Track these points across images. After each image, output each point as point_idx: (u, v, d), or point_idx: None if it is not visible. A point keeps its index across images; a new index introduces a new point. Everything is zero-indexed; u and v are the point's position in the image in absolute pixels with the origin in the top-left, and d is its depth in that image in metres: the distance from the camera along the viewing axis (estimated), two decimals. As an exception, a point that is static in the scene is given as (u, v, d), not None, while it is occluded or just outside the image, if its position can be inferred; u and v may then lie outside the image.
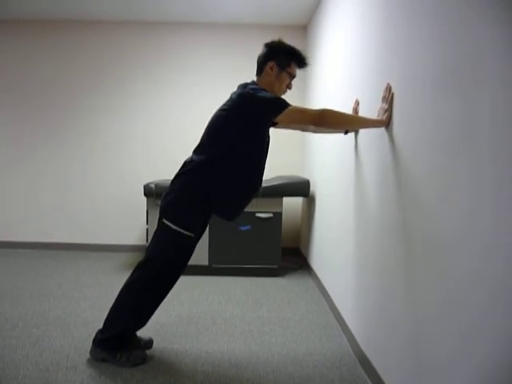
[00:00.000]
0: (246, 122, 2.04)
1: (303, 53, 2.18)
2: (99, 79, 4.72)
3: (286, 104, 1.99)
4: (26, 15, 4.53)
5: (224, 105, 2.14)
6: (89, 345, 2.21)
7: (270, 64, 2.14)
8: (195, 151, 2.16)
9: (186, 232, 2.08)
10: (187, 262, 2.18)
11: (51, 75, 4.71)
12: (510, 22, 1.06)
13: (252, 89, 2.05)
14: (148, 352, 2.26)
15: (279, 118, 1.99)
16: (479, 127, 1.17)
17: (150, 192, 3.74)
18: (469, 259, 1.21)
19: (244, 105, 2.02)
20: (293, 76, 2.19)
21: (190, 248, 2.15)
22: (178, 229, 2.07)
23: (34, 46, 4.70)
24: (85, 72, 4.71)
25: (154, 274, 2.11)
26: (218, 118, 2.12)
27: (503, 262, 1.06)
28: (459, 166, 1.27)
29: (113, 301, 2.18)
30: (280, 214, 3.76)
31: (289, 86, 2.21)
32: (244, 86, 2.11)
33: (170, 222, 2.08)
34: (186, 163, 2.16)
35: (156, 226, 2.15)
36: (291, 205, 4.65)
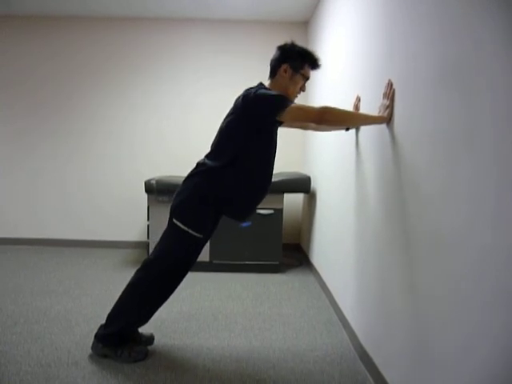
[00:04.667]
0: (251, 123, 2.05)
1: (316, 54, 2.18)
2: (98, 76, 4.71)
3: (288, 102, 1.99)
4: (22, 11, 4.51)
5: (230, 110, 2.15)
6: (90, 341, 2.22)
7: (284, 67, 2.13)
8: (207, 157, 2.17)
9: (195, 233, 2.08)
10: (194, 262, 2.19)
11: (50, 72, 4.70)
12: (510, 18, 1.06)
13: (255, 88, 2.06)
14: (149, 348, 2.27)
15: (282, 116, 1.99)
16: (480, 123, 1.17)
17: (151, 188, 3.74)
18: (469, 255, 1.21)
19: (248, 106, 2.03)
20: (307, 78, 2.19)
21: (198, 249, 2.16)
22: (187, 229, 2.07)
23: (32, 43, 4.68)
24: (84, 69, 4.70)
25: (160, 273, 2.11)
26: (227, 124, 2.13)
27: (505, 257, 1.06)
28: (460, 163, 1.27)
29: (114, 297, 2.19)
30: (281, 210, 3.76)
31: (302, 89, 2.21)
32: (249, 89, 2.11)
33: (180, 222, 2.08)
34: (198, 164, 2.17)
35: (158, 224, 2.16)
36: (292, 201, 4.65)
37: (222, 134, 2.15)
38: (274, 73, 2.18)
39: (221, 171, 2.08)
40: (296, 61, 2.13)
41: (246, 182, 2.12)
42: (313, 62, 2.17)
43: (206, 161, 2.14)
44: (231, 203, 2.15)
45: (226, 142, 2.12)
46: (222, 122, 2.17)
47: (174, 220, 2.10)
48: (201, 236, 2.10)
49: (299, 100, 2.21)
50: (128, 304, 2.15)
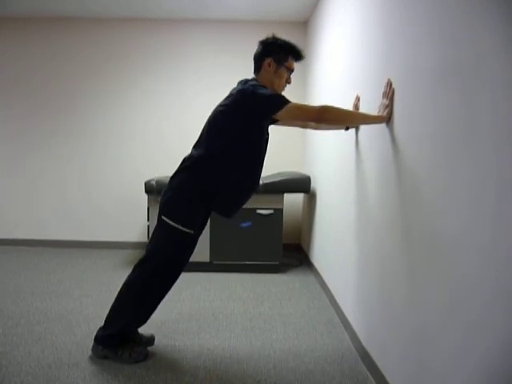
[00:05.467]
0: (245, 119, 2.04)
1: (298, 46, 2.18)
2: (99, 77, 4.71)
3: (285, 101, 1.98)
4: (22, 13, 4.51)
5: (224, 101, 2.13)
6: (91, 342, 2.21)
7: (268, 61, 2.14)
8: (194, 147, 2.17)
9: (184, 229, 2.07)
10: (188, 258, 2.18)
11: (50, 73, 4.70)
12: (510, 18, 1.06)
13: (252, 85, 2.04)
14: (150, 349, 2.26)
15: (279, 115, 1.99)
16: (480, 123, 1.17)
17: (150, 189, 3.74)
18: (470, 256, 1.21)
19: (244, 101, 2.02)
20: (291, 70, 2.19)
21: (189, 245, 2.15)
22: (176, 226, 2.06)
23: (33, 45, 4.68)
24: (84, 70, 4.70)
25: (153, 272, 2.10)
26: (217, 114, 2.11)
27: (505, 258, 1.06)
28: (460, 162, 1.27)
29: (114, 298, 2.18)
30: (281, 210, 3.76)
31: (288, 81, 2.21)
32: (244, 83, 2.11)
33: (169, 218, 2.07)
34: (184, 160, 2.16)
35: (156, 223, 2.16)
36: (292, 201, 4.65)
37: (211, 124, 2.13)
38: (258, 68, 2.18)
39: (208, 161, 2.08)
40: (279, 54, 2.13)
41: (231, 176, 2.10)
42: (296, 54, 2.17)
43: (193, 153, 2.13)
44: (218, 196, 2.13)
45: (214, 133, 2.10)
46: (213, 112, 2.15)
47: (163, 217, 2.09)
48: (190, 231, 2.09)
49: (296, 98, 2.21)
50: (124, 304, 2.14)
